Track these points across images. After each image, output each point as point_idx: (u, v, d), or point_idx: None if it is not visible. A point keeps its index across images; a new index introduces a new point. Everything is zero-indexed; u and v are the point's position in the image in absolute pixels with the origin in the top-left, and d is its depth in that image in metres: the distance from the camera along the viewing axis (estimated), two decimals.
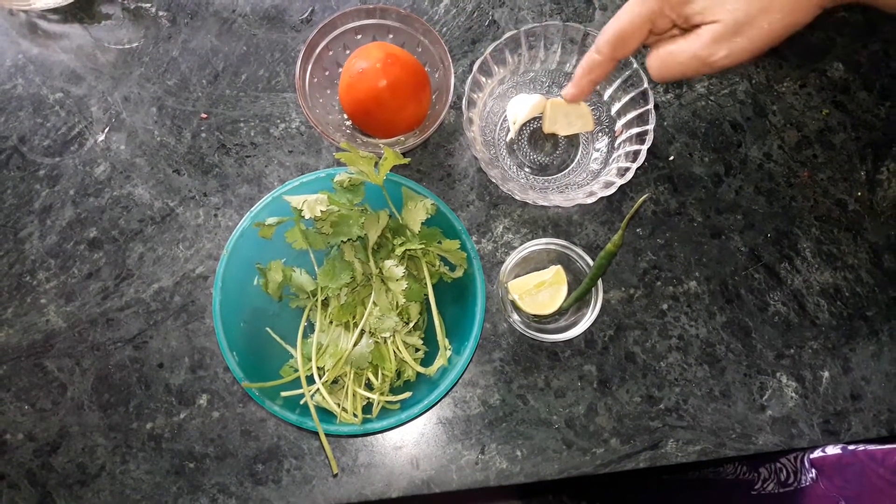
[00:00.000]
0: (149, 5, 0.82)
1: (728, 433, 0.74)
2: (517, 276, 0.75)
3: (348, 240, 0.68)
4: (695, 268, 0.78)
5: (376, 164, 0.67)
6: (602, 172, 0.75)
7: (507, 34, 0.73)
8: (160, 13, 0.82)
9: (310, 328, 0.71)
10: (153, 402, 0.73)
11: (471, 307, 0.68)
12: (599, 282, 0.72)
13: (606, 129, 0.78)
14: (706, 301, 0.77)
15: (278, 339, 0.71)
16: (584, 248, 0.77)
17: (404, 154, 0.78)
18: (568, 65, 0.77)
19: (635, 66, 0.72)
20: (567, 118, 0.75)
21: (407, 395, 0.66)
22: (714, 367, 0.76)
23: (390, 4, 0.82)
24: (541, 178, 0.79)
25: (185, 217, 0.77)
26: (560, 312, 0.75)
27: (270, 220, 0.68)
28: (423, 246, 0.68)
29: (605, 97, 0.77)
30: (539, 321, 0.75)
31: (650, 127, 0.70)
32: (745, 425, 0.74)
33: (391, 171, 0.69)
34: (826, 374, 0.76)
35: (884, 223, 0.80)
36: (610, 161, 0.75)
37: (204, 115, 0.79)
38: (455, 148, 0.80)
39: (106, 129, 0.79)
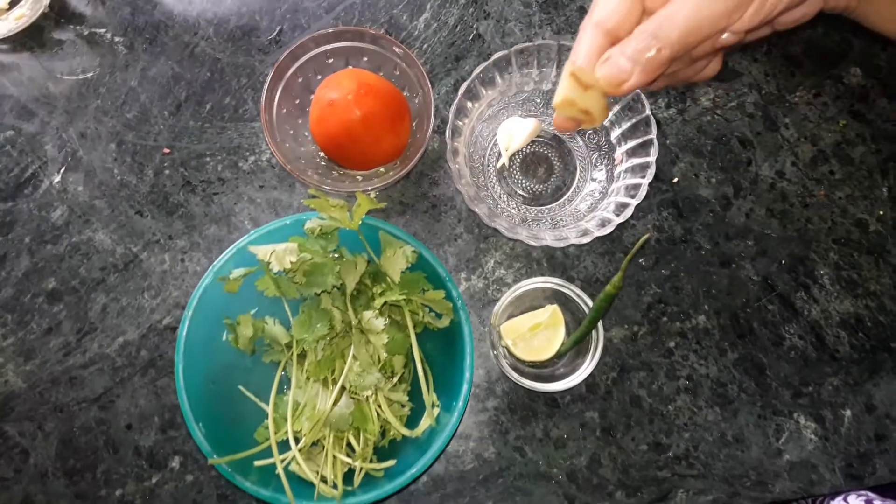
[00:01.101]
0: (104, 31, 0.75)
1: (742, 481, 0.69)
2: (511, 315, 0.69)
3: (323, 291, 0.62)
4: (703, 301, 0.72)
5: (350, 209, 0.61)
6: (599, 205, 0.68)
7: (496, 55, 0.67)
8: (116, 39, 0.75)
9: (286, 380, 0.66)
10: (122, 467, 0.68)
11: (460, 361, 0.62)
12: (599, 323, 0.66)
13: (605, 157, 0.71)
14: (716, 337, 0.71)
15: (252, 397, 0.66)
16: (583, 283, 0.72)
17: (385, 189, 0.71)
18: None
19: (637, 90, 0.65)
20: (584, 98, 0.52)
21: (391, 463, 0.61)
22: (726, 409, 0.70)
23: (366, 19, 0.76)
24: (534, 207, 0.72)
25: (150, 263, 0.71)
26: (558, 356, 0.69)
27: (236, 273, 0.62)
28: (404, 296, 0.62)
29: (605, 121, 0.70)
30: (535, 366, 0.69)
31: (652, 159, 0.64)
32: (760, 472, 0.69)
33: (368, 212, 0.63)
34: (848, 412, 0.70)
35: None
36: (609, 192, 0.69)
37: (167, 150, 0.73)
38: (440, 176, 0.74)
39: (62, 170, 0.73)
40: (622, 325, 0.71)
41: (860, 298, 0.72)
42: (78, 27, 0.75)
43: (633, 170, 0.66)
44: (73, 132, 0.73)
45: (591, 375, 0.69)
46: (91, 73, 0.75)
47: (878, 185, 0.75)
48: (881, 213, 0.74)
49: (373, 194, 0.65)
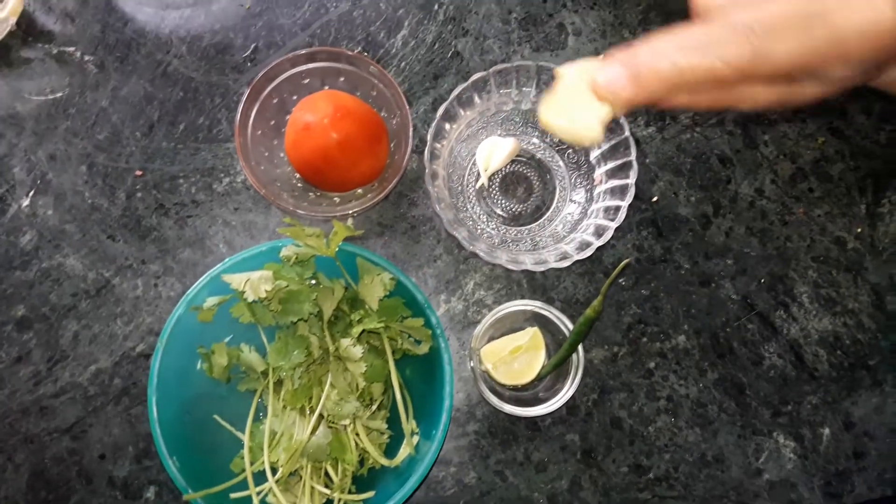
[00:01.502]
0: (73, 49, 0.74)
1: (723, 501, 0.69)
2: (491, 338, 0.68)
3: (300, 319, 0.61)
4: (683, 320, 0.72)
5: (327, 236, 0.60)
6: (579, 226, 0.68)
7: (475, 76, 0.66)
8: (86, 58, 0.73)
9: (262, 408, 0.65)
10: (96, 498, 0.66)
11: (439, 389, 0.61)
12: (580, 346, 0.66)
13: (585, 177, 0.71)
14: (696, 357, 0.71)
15: (228, 426, 0.64)
16: (563, 304, 0.71)
17: (363, 211, 0.70)
18: None
19: None
20: (576, 112, 0.44)
21: (370, 494, 0.60)
22: (706, 429, 0.70)
23: (343, 36, 0.74)
24: (513, 228, 0.72)
25: (123, 289, 0.70)
26: (539, 378, 0.68)
27: (209, 303, 0.61)
28: (383, 324, 0.61)
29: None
30: (516, 389, 0.69)
31: (631, 181, 0.63)
32: (740, 492, 0.69)
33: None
34: (826, 431, 0.71)
35: (886, 261, 0.74)
36: (588, 213, 0.68)
37: (139, 172, 0.72)
38: (419, 197, 0.73)
39: (31, 193, 0.71)
40: (602, 346, 0.71)
41: (838, 316, 0.73)
42: (46, 45, 0.73)
43: (613, 191, 0.66)
44: (42, 154, 0.72)
45: (572, 397, 0.69)
46: (60, 93, 0.73)
47: (857, 202, 0.75)
48: (859, 230, 0.74)
49: (350, 219, 0.64)
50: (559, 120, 0.43)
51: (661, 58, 0.38)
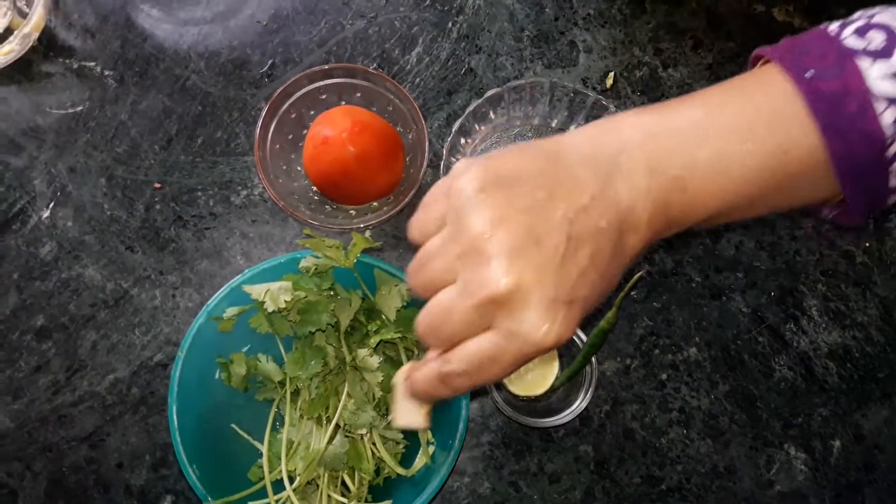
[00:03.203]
0: (93, 64, 0.75)
1: None
2: None
3: (317, 329, 0.62)
4: (694, 333, 0.73)
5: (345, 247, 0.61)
6: None
7: (489, 92, 0.67)
8: (106, 72, 0.75)
9: (279, 418, 0.66)
10: None
11: (455, 399, 0.62)
12: (593, 357, 0.67)
13: None
14: (707, 369, 0.72)
15: (245, 435, 0.65)
16: None
17: (378, 224, 0.71)
18: (555, 121, 0.71)
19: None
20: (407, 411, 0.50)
21: (387, 503, 0.61)
22: (718, 440, 0.71)
23: (358, 53, 0.76)
24: None
25: (141, 299, 0.70)
26: (552, 390, 0.69)
27: (230, 313, 0.62)
28: (399, 334, 0.62)
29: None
30: (529, 400, 0.70)
31: None
32: (752, 503, 0.69)
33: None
34: (837, 443, 0.71)
35: (894, 275, 0.75)
36: None
37: (157, 185, 0.73)
38: None
39: (51, 205, 0.72)
40: (615, 358, 0.72)
41: (848, 329, 0.73)
42: (67, 60, 0.75)
43: None
44: (62, 167, 0.73)
45: (585, 409, 0.70)
46: (80, 107, 0.74)
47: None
48: (867, 244, 0.75)
49: (367, 232, 0.65)
50: (399, 419, 0.48)
51: (429, 373, 0.41)
